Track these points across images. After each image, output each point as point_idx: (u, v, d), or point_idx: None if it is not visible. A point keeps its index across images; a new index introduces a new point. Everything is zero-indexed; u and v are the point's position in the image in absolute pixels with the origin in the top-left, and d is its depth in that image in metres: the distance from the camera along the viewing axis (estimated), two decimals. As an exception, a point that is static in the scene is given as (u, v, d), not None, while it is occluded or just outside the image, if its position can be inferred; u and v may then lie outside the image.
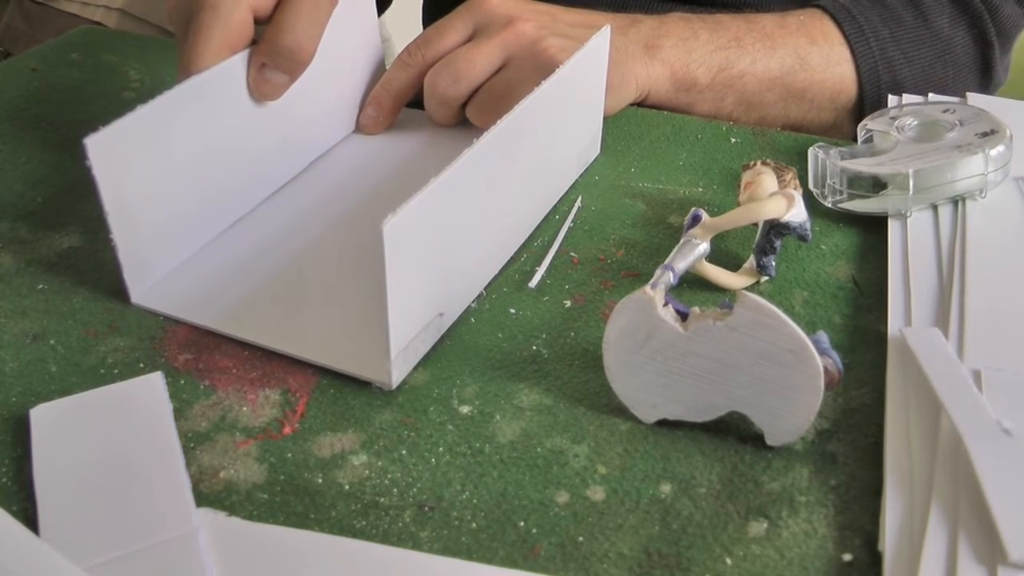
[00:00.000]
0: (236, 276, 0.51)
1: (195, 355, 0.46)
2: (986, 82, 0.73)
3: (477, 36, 0.60)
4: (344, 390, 0.44)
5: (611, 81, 0.60)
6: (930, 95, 0.63)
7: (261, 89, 0.54)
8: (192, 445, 0.41)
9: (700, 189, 0.58)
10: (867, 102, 0.68)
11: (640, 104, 0.66)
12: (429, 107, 0.62)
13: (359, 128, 0.64)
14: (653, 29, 0.65)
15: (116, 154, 0.46)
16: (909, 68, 0.68)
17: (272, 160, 0.58)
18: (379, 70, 0.65)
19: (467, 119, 0.62)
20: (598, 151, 0.62)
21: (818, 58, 0.67)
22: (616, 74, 0.61)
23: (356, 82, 0.63)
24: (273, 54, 0.53)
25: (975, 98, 0.62)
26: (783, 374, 0.39)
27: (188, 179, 0.51)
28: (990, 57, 0.71)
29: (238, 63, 0.52)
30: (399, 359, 0.43)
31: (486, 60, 0.59)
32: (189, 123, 0.50)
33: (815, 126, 0.70)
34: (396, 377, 0.44)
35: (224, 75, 0.52)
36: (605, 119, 0.61)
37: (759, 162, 0.53)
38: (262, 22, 0.54)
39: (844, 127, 0.71)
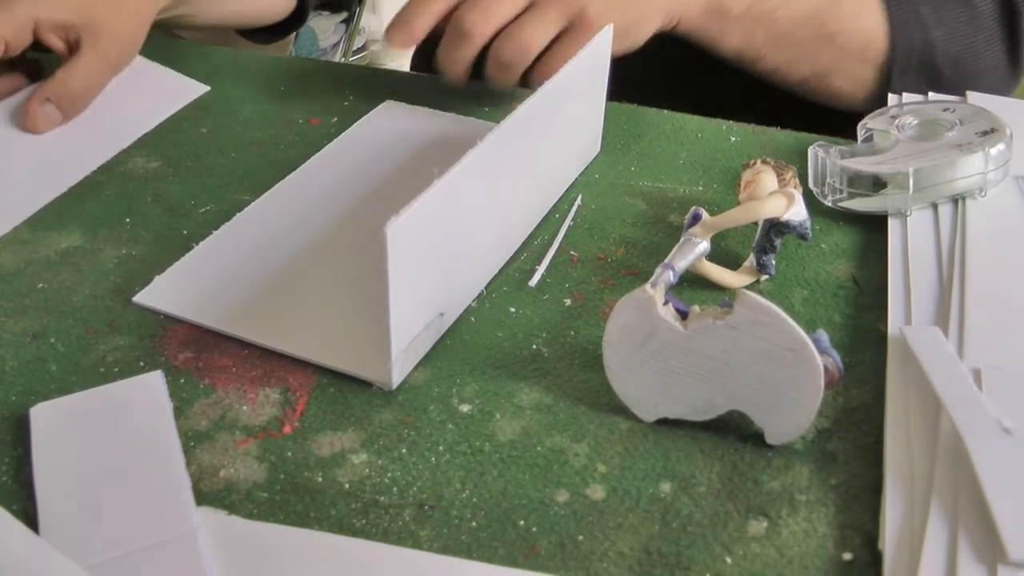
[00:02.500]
0: (236, 275, 0.51)
1: (195, 354, 0.46)
2: (1015, 53, 0.72)
3: (533, 6, 0.60)
4: (344, 389, 0.44)
5: (630, 17, 0.60)
6: (930, 94, 0.63)
7: (36, 121, 0.62)
8: (192, 444, 0.41)
9: (700, 188, 0.58)
10: (898, 60, 0.68)
11: (671, 31, 0.64)
12: (492, 71, 0.61)
13: (386, 37, 0.62)
14: None
15: None
16: (940, 28, 0.68)
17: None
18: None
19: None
20: (598, 150, 0.62)
21: (850, 6, 0.68)
22: (634, 9, 0.60)
23: None
24: (58, 95, 0.62)
25: (975, 97, 0.62)
26: (783, 373, 0.39)
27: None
28: (1018, 25, 0.71)
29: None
30: (400, 359, 0.43)
31: (546, 31, 0.59)
32: None
33: (840, 80, 0.69)
34: (397, 377, 0.44)
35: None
36: (611, 95, 0.60)
37: (759, 161, 0.53)
38: (10, 58, 0.62)
39: (870, 90, 0.69)
